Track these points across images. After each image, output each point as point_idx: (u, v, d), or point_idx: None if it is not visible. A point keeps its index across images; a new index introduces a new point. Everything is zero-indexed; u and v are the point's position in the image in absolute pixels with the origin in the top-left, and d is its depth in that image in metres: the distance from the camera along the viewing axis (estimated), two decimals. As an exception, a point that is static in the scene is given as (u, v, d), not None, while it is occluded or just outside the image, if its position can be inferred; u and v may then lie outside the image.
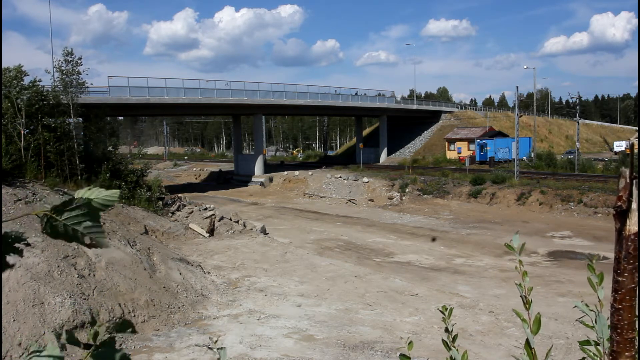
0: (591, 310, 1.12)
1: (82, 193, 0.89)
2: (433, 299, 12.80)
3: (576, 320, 1.18)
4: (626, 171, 0.82)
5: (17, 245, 0.89)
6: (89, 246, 0.86)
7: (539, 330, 1.18)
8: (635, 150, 47.46)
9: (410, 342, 1.34)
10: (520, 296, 1.23)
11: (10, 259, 0.90)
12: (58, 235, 0.85)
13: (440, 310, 1.39)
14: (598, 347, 1.11)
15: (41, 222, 0.85)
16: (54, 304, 9.38)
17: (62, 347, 0.93)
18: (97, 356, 0.89)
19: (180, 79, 67.16)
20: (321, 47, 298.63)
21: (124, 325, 0.96)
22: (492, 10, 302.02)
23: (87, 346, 0.91)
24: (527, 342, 1.16)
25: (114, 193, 0.91)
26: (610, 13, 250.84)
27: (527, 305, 1.22)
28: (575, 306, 1.16)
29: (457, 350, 1.30)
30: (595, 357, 1.11)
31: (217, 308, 11.71)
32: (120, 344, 9.02)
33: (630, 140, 59.48)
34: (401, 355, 1.26)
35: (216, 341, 1.37)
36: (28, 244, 0.91)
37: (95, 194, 0.89)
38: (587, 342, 1.14)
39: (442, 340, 1.30)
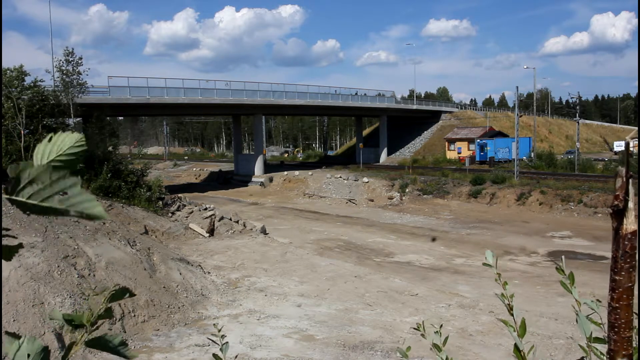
0: (593, 310, 1.13)
1: (41, 152, 0.69)
2: (433, 299, 12.81)
3: (586, 316, 1.20)
4: (622, 170, 0.83)
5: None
6: (87, 218, 0.67)
7: (525, 334, 1.20)
8: (635, 150, 47.47)
9: (408, 347, 1.37)
10: (505, 305, 1.25)
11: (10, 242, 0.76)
12: (38, 212, 0.66)
13: (414, 329, 1.43)
14: (589, 345, 1.12)
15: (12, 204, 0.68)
16: (54, 304, 9.39)
17: (59, 336, 0.90)
18: (92, 343, 0.79)
19: (180, 79, 67.28)
20: (321, 47, 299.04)
21: (121, 293, 0.83)
22: (492, 10, 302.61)
23: (77, 325, 0.81)
24: (516, 346, 1.17)
25: (80, 139, 0.71)
26: (611, 13, 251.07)
27: (511, 312, 1.24)
28: (585, 303, 1.17)
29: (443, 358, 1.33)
30: (602, 356, 1.12)
31: (217, 308, 11.72)
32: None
33: (626, 139, 59.48)
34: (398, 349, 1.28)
35: (223, 335, 1.36)
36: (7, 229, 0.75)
37: (55, 149, 0.69)
38: (598, 340, 1.15)
39: (433, 344, 1.33)
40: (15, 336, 0.75)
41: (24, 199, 0.64)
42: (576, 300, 1.14)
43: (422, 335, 1.37)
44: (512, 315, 1.22)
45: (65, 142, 0.70)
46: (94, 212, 0.65)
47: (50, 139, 0.70)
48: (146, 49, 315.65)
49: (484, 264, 1.30)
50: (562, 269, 1.17)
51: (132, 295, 0.83)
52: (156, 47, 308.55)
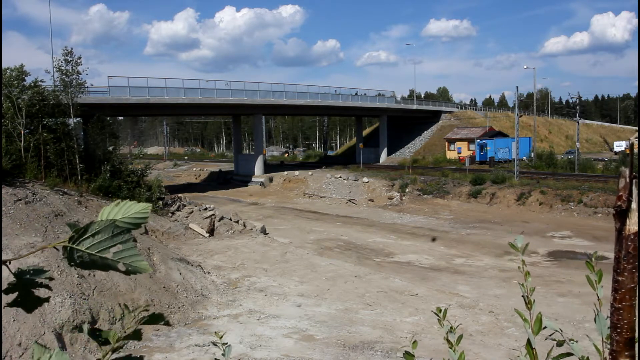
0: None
1: (107, 212, 0.78)
2: (433, 299, 12.80)
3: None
4: (626, 171, 0.82)
5: (37, 280, 0.78)
6: (126, 273, 0.75)
7: (540, 330, 1.18)
8: (635, 150, 47.49)
9: (415, 342, 1.36)
10: (522, 296, 1.23)
11: (41, 292, 0.81)
12: (86, 266, 0.74)
13: (434, 312, 1.40)
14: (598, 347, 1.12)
15: (63, 255, 0.75)
16: (54, 304, 9.38)
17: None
18: None
19: (180, 79, 67.33)
20: (321, 47, 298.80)
21: (156, 318, 0.85)
22: (492, 10, 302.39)
23: (105, 342, 0.83)
24: (529, 342, 1.16)
25: (145, 208, 0.79)
26: (611, 13, 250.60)
27: (529, 306, 1.23)
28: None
29: (454, 351, 1.31)
30: None
31: (217, 308, 11.72)
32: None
33: (630, 140, 59.49)
34: (405, 353, 1.27)
35: (222, 337, 1.37)
36: (51, 278, 0.80)
37: (122, 212, 0.77)
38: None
39: (446, 339, 1.31)
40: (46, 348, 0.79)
41: (82, 249, 0.73)
42: (599, 299, 1.13)
43: (439, 321, 1.35)
44: (530, 309, 1.21)
45: (131, 208, 0.78)
46: (140, 265, 0.75)
47: (117, 204, 0.79)
48: (146, 49, 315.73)
49: (509, 244, 1.28)
50: (592, 264, 1.16)
51: (167, 324, 0.87)
52: (156, 47, 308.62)
